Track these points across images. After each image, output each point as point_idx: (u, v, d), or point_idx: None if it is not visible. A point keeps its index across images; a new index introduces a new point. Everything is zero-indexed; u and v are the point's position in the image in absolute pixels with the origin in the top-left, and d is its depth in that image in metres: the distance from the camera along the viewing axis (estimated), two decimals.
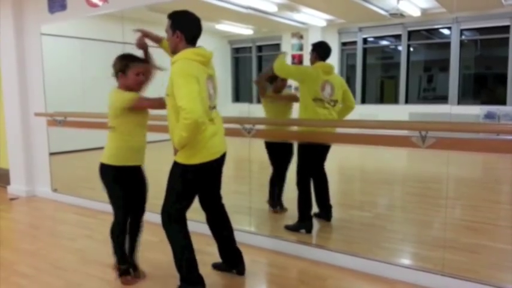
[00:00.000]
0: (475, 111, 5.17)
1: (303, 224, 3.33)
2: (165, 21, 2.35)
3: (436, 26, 5.49)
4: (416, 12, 4.94)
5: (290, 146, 3.65)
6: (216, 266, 2.76)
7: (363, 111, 5.05)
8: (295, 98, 3.54)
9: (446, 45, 5.38)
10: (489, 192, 4.63)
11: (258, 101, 3.78)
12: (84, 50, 5.56)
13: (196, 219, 2.63)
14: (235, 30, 6.18)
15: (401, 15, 4.88)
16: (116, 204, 2.58)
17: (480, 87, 6.22)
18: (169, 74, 2.22)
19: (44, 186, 4.94)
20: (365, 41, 5.62)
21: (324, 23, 5.14)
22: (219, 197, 2.64)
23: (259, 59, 6.22)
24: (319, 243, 3.12)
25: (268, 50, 6.29)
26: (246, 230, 3.34)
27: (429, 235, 3.38)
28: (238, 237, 3.22)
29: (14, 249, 3.35)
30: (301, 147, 3.35)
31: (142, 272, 2.72)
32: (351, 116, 3.37)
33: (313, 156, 3.37)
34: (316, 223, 3.45)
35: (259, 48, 6.24)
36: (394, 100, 5.63)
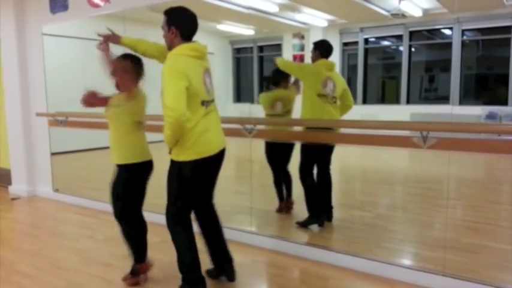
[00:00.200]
0: (476, 111, 5.14)
1: (314, 218, 3.35)
2: None
3: (437, 27, 5.48)
4: (417, 13, 4.93)
5: (290, 146, 3.65)
6: (208, 272, 2.59)
7: (364, 112, 5.05)
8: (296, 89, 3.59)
9: (448, 46, 5.36)
10: (490, 193, 4.62)
11: (259, 102, 3.78)
12: (85, 50, 5.55)
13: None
14: (237, 30, 6.17)
15: (403, 15, 4.87)
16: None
17: (482, 87, 6.20)
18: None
19: (45, 186, 4.95)
20: (366, 41, 5.60)
21: (325, 23, 5.12)
22: (211, 196, 2.55)
23: (261, 60, 6.21)
24: (321, 244, 3.11)
25: (269, 51, 6.28)
26: (247, 230, 3.35)
27: (430, 235, 3.38)
28: (239, 237, 3.22)
29: (15, 249, 3.36)
30: (303, 144, 3.36)
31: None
32: (352, 116, 3.37)
33: (316, 154, 3.37)
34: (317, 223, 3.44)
35: (261, 49, 6.23)
36: (396, 100, 5.61)
